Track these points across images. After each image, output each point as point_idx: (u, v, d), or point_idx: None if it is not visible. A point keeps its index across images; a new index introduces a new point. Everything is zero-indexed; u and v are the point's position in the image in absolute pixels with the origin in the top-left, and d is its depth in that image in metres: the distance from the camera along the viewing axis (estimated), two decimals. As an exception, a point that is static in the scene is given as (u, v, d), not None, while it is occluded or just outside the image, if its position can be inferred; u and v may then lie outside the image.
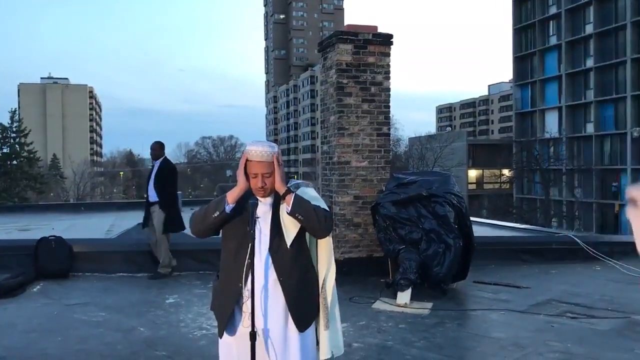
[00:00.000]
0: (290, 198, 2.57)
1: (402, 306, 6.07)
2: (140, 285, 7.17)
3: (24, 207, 25.08)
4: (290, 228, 2.63)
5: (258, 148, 2.57)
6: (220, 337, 2.70)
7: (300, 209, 2.57)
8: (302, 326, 2.65)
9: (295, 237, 2.64)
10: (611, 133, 42.78)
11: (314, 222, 2.59)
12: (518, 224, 16.60)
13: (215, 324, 2.78)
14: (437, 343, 4.95)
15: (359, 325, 5.40)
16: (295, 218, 2.58)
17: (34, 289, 6.91)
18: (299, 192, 2.66)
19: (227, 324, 2.66)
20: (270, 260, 2.62)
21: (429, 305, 6.13)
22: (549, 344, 4.89)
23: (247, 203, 2.57)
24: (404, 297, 6.18)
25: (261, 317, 2.59)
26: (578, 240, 8.88)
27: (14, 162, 51.73)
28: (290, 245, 2.63)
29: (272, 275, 2.61)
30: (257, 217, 2.61)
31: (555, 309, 6.04)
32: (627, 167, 40.68)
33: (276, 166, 2.58)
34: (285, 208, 2.60)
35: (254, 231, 2.57)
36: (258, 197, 2.64)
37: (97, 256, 7.88)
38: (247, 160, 2.59)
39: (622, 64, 41.45)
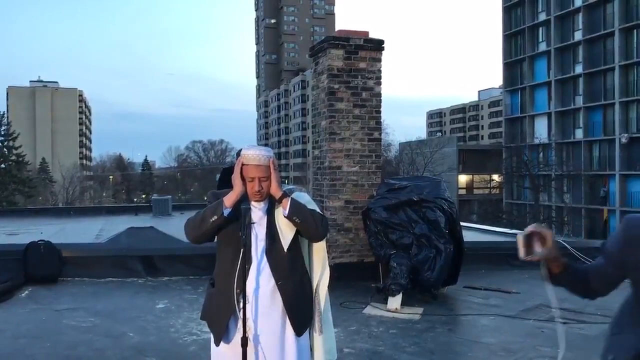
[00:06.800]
0: (287, 202, 2.58)
1: (393, 311, 6.08)
2: (130, 290, 7.12)
3: (13, 211, 24.89)
4: (287, 232, 2.64)
5: (254, 152, 2.58)
6: (217, 345, 2.64)
7: (298, 212, 2.57)
8: (300, 330, 2.65)
9: (291, 241, 2.65)
10: (600, 139, 43.07)
11: (311, 225, 2.59)
12: (508, 229, 16.65)
13: (206, 329, 2.75)
14: (427, 348, 4.96)
15: (350, 331, 5.40)
16: (292, 221, 2.58)
17: (23, 294, 6.85)
18: (293, 196, 2.66)
19: (223, 332, 2.62)
20: (268, 265, 2.61)
21: (420, 310, 6.14)
22: (539, 349, 4.91)
23: (240, 208, 2.57)
24: (394, 302, 6.19)
25: (259, 323, 2.57)
26: (567, 246, 8.91)
27: (2, 165, 51.37)
28: (287, 249, 2.64)
29: (271, 280, 2.60)
30: (253, 222, 2.61)
31: (545, 314, 6.07)
32: (616, 173, 40.96)
33: (272, 170, 2.59)
34: (281, 212, 2.60)
35: (249, 236, 2.57)
36: (252, 202, 2.64)
37: (86, 261, 7.83)
38: (242, 164, 2.59)
39: (611, 70, 41.76)
